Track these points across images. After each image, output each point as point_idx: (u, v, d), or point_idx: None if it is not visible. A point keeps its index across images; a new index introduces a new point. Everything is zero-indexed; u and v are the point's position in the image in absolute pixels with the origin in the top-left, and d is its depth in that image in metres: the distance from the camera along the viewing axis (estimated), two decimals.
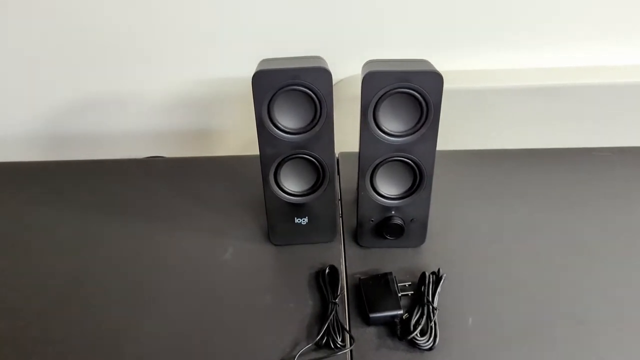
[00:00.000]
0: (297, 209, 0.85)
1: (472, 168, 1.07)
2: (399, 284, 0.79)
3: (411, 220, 0.84)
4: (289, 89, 0.73)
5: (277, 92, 0.73)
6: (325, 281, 0.80)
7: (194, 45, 1.18)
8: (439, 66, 0.74)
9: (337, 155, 1.08)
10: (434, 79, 0.72)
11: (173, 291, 0.81)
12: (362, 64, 0.77)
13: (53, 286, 0.83)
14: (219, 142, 1.34)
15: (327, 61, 0.77)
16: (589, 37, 1.16)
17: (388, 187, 0.82)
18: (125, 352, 0.72)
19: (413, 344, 0.71)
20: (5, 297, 0.81)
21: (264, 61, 0.76)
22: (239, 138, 1.32)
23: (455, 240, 0.89)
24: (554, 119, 1.18)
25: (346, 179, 1.03)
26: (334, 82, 0.75)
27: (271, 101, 0.74)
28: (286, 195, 0.83)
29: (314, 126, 0.77)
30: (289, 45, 1.15)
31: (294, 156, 0.79)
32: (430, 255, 0.86)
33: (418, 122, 0.75)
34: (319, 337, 0.72)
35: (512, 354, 0.70)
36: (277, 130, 0.77)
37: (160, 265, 0.86)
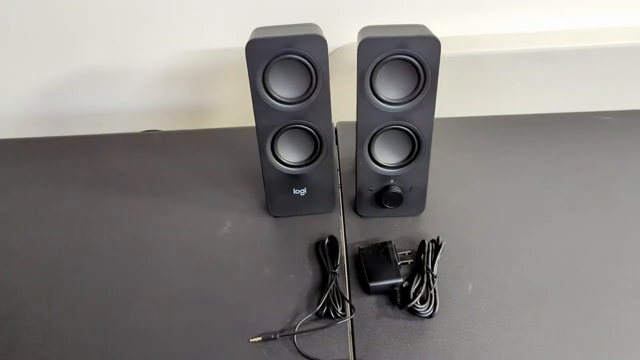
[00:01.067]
0: (295, 179, 0.84)
1: (470, 135, 1.06)
2: (398, 253, 0.78)
3: (410, 188, 0.84)
4: (284, 57, 0.72)
5: (271, 61, 0.72)
6: (324, 251, 0.80)
7: (188, 16, 1.16)
8: (437, 32, 0.72)
9: (335, 125, 1.07)
10: (431, 44, 0.70)
11: (172, 265, 0.81)
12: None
13: (52, 261, 0.83)
14: (215, 115, 1.33)
15: (324, 29, 0.75)
16: None
17: (386, 156, 0.82)
18: (127, 325, 0.73)
19: (413, 312, 0.71)
20: (5, 273, 0.82)
21: (258, 30, 0.75)
22: (236, 110, 1.31)
23: (455, 208, 0.89)
24: (552, 83, 1.16)
25: (345, 148, 1.02)
26: (331, 51, 0.73)
27: (266, 70, 0.73)
28: (284, 166, 0.83)
29: (310, 95, 0.76)
30: (285, 14, 1.13)
31: (290, 126, 0.78)
32: (430, 223, 0.86)
33: (416, 89, 0.74)
34: (319, 307, 0.72)
35: (512, 320, 0.70)
36: (272, 100, 0.76)
37: (160, 239, 0.86)
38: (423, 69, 0.72)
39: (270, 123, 0.78)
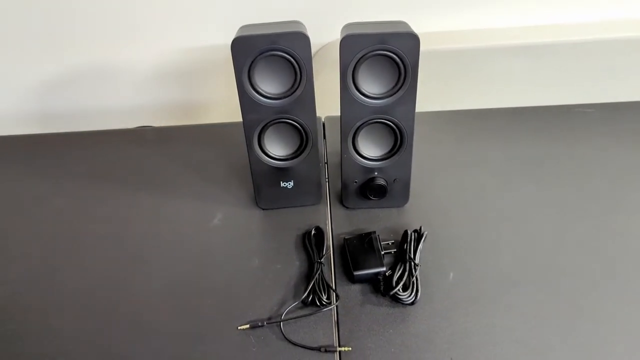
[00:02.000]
0: (283, 173, 0.86)
1: (453, 128, 1.08)
2: (382, 243, 0.81)
3: (394, 180, 0.86)
4: (268, 54, 0.74)
5: (256, 57, 0.74)
6: (311, 242, 0.82)
7: (178, 15, 1.18)
8: (420, 28, 0.74)
9: (322, 119, 1.09)
10: (411, 40, 0.72)
11: (164, 256, 0.83)
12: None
13: (47, 253, 0.85)
14: (205, 110, 1.35)
15: (312, 27, 0.78)
16: None
17: (370, 149, 0.84)
18: (120, 313, 0.75)
19: (396, 299, 0.74)
20: (1, 267, 0.84)
21: (243, 27, 0.77)
22: (226, 105, 1.33)
23: (438, 199, 0.91)
24: (535, 77, 1.18)
25: (332, 142, 1.04)
26: (318, 48, 0.75)
27: (251, 67, 0.75)
28: (271, 160, 0.85)
29: (294, 91, 0.78)
30: (273, 12, 1.15)
31: (276, 121, 0.81)
32: (413, 214, 0.88)
33: (397, 84, 0.76)
34: (305, 295, 0.74)
35: (492, 307, 0.73)
36: (258, 96, 0.78)
37: (152, 232, 0.88)
38: (403, 65, 0.74)
39: (257, 118, 0.80)
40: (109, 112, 1.34)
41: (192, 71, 1.27)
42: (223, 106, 1.33)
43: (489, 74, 1.17)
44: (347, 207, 0.90)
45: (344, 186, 0.87)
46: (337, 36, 1.19)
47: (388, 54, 0.73)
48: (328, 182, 0.96)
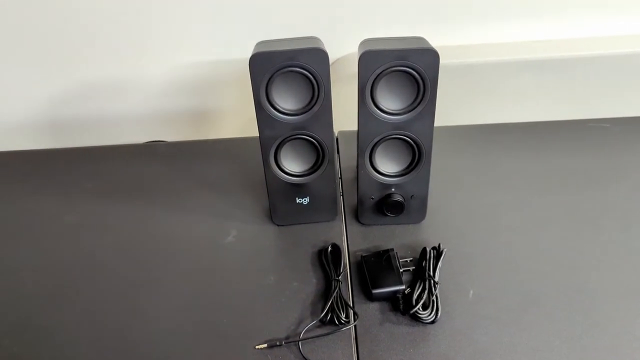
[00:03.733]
0: (298, 189, 0.85)
1: (470, 143, 1.07)
2: (400, 260, 0.80)
3: (411, 196, 0.85)
4: (286, 70, 0.74)
5: (274, 74, 0.74)
6: (327, 259, 0.81)
7: (191, 28, 1.18)
8: (436, 42, 0.74)
9: (336, 134, 1.09)
10: (430, 56, 0.72)
11: (179, 274, 0.83)
12: (359, 43, 0.77)
13: (61, 271, 0.84)
14: (218, 123, 1.35)
15: (324, 40, 0.77)
16: (584, 7, 1.16)
17: (387, 165, 0.83)
18: (135, 332, 0.74)
19: (415, 318, 0.73)
20: (13, 285, 0.83)
21: (260, 43, 0.77)
22: (239, 118, 1.33)
23: (455, 215, 0.90)
24: (550, 91, 1.18)
25: (346, 157, 1.04)
26: (331, 61, 0.75)
27: (269, 83, 0.75)
28: (287, 176, 0.84)
29: (312, 107, 0.77)
30: (286, 25, 1.15)
31: (293, 137, 0.80)
32: (431, 231, 0.87)
33: (415, 100, 0.76)
34: (323, 314, 0.73)
35: (512, 325, 0.72)
36: (275, 112, 0.77)
37: (166, 249, 0.87)
38: (422, 80, 0.74)
39: (274, 134, 0.79)
40: (120, 125, 1.33)
41: (204, 85, 1.27)
42: (234, 120, 1.33)
43: (503, 89, 1.17)
44: (363, 224, 0.89)
45: (360, 202, 0.87)
46: (348, 51, 1.20)
47: (407, 70, 0.73)
48: (343, 198, 0.95)
